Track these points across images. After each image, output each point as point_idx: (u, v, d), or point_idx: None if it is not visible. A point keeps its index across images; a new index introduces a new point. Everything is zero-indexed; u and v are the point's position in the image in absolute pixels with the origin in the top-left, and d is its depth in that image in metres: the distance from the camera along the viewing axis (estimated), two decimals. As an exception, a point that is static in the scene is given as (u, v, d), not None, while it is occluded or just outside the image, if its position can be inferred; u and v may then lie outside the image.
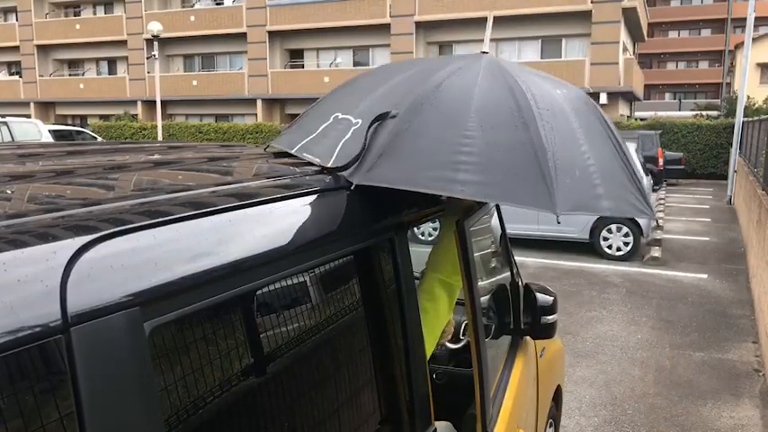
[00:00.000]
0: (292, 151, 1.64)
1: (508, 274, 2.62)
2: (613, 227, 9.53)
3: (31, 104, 34.47)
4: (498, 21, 26.61)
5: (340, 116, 1.61)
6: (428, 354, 1.75)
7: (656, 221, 2.07)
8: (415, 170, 1.39)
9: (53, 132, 15.79)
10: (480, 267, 2.23)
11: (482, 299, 2.13)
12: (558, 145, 1.43)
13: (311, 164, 1.54)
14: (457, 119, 1.44)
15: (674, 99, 48.76)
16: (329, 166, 1.46)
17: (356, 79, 1.92)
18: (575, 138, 1.53)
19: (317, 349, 1.32)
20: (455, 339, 2.60)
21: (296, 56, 30.65)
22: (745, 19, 18.03)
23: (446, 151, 1.40)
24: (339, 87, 1.91)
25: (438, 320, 1.84)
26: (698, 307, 7.14)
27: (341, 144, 1.50)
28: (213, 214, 1.02)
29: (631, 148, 10.09)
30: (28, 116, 28.19)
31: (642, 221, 9.41)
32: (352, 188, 1.38)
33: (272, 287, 1.14)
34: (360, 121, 1.53)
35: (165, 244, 0.91)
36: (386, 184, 1.37)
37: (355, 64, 29.16)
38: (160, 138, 23.23)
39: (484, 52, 1.75)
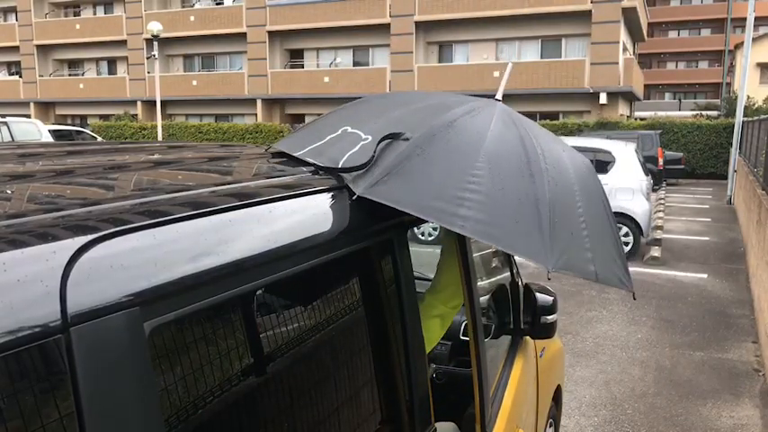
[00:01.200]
0: (296, 155, 1.64)
1: (508, 273, 2.62)
2: (613, 227, 9.53)
3: (31, 104, 34.48)
4: (498, 21, 26.67)
5: (350, 130, 1.61)
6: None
7: (633, 294, 2.13)
8: (421, 197, 1.40)
9: (53, 132, 15.79)
10: (480, 267, 2.23)
11: (482, 299, 2.13)
12: (559, 203, 1.47)
13: (312, 164, 1.54)
14: (467, 156, 1.46)
15: (674, 99, 48.77)
16: (338, 167, 1.47)
17: (369, 99, 1.94)
18: (573, 200, 1.57)
19: (317, 349, 1.32)
20: (454, 332, 2.62)
21: (296, 56, 30.66)
22: (745, 19, 18.03)
23: (453, 186, 1.40)
24: (351, 104, 1.92)
25: (429, 340, 1.87)
26: (698, 307, 7.14)
27: (347, 155, 1.50)
28: (213, 214, 1.02)
29: (631, 147, 10.10)
30: (28, 116, 28.19)
31: (642, 221, 9.42)
32: (353, 198, 1.38)
33: (271, 287, 1.14)
34: (369, 138, 1.53)
35: (164, 244, 0.91)
36: (389, 202, 1.38)
37: (355, 64, 29.17)
38: (160, 138, 23.22)
39: (497, 99, 1.79)
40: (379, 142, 1.47)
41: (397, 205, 1.38)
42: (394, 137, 1.48)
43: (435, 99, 1.79)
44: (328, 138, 1.62)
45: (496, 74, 23.99)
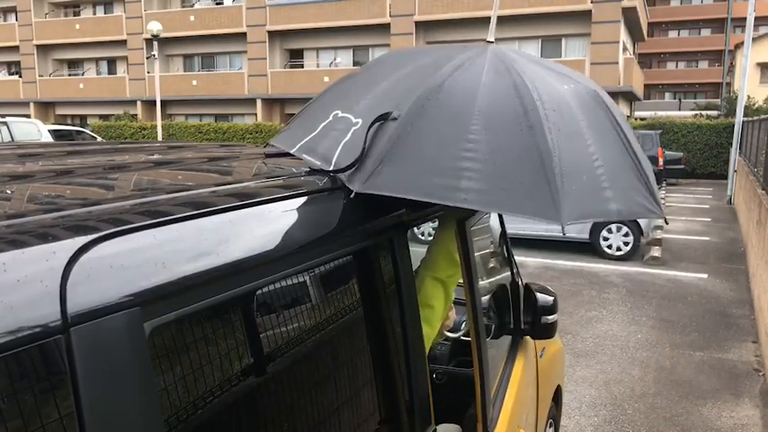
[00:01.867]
0: (292, 151, 1.63)
1: (508, 273, 2.62)
2: (613, 227, 9.54)
3: (31, 104, 34.47)
4: (498, 20, 26.53)
5: (340, 114, 1.56)
6: (427, 348, 1.75)
7: (665, 220, 1.99)
8: (417, 178, 1.35)
9: (53, 132, 15.78)
10: (480, 267, 2.22)
11: (482, 299, 2.12)
12: (565, 149, 1.38)
13: (307, 165, 1.53)
14: (460, 122, 1.39)
15: (674, 99, 48.76)
16: (330, 170, 1.43)
17: (357, 74, 1.84)
18: (582, 138, 1.48)
19: (317, 349, 1.32)
20: (454, 329, 2.59)
21: (296, 56, 30.66)
22: (745, 19, 18.03)
23: (449, 157, 1.34)
24: (340, 81, 1.85)
25: (435, 317, 1.83)
26: (698, 307, 7.14)
27: (341, 146, 1.46)
28: (213, 214, 1.02)
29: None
30: (27, 116, 28.21)
31: (642, 221, 9.42)
32: (351, 196, 1.34)
33: (271, 287, 1.14)
34: (360, 121, 1.48)
35: (164, 244, 0.90)
36: (387, 192, 1.33)
37: (355, 64, 29.15)
38: (160, 138, 23.22)
39: (489, 42, 1.69)
40: (369, 128, 1.40)
41: (395, 193, 1.33)
42: (383, 118, 1.41)
43: (423, 58, 1.69)
44: (321, 127, 1.58)
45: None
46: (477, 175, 1.32)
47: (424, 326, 1.71)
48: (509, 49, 1.68)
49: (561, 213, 1.28)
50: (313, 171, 1.48)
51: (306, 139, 1.59)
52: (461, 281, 1.89)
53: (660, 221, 11.61)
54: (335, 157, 1.45)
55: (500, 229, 2.66)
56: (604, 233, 9.61)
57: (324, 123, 1.59)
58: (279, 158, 1.69)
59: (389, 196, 1.36)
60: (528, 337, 2.69)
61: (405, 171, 1.36)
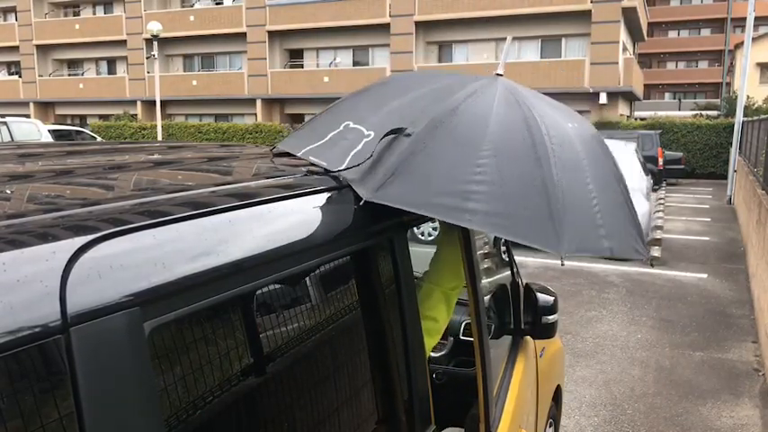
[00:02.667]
0: (299, 154, 1.62)
1: (509, 273, 2.62)
2: (613, 227, 9.53)
3: (31, 104, 34.47)
4: (498, 20, 26.66)
5: (351, 125, 1.59)
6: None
7: (651, 262, 2.08)
8: (427, 195, 1.38)
9: (53, 132, 15.78)
10: (481, 268, 2.22)
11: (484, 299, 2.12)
12: (567, 183, 1.44)
13: (311, 164, 1.53)
14: (471, 146, 1.43)
15: (674, 99, 48.76)
16: (335, 169, 1.45)
17: (370, 88, 1.89)
18: (582, 175, 1.54)
19: (317, 350, 1.32)
20: (438, 346, 2.60)
21: (295, 56, 30.65)
22: (744, 19, 18.03)
23: (459, 179, 1.39)
24: (351, 95, 1.89)
25: (436, 329, 1.85)
26: (698, 307, 7.14)
27: (351, 155, 1.48)
28: (213, 214, 1.02)
29: (631, 147, 10.10)
30: (27, 116, 28.19)
31: (642, 221, 9.40)
32: (360, 203, 1.36)
33: (271, 287, 1.14)
34: (372, 133, 1.51)
35: (164, 244, 0.90)
36: (396, 204, 1.36)
37: (355, 64, 29.17)
38: (160, 138, 23.22)
39: (498, 74, 1.75)
40: (381, 139, 1.45)
41: (404, 206, 1.37)
42: (396, 132, 1.46)
43: (436, 82, 1.75)
44: (330, 135, 1.60)
45: (496, 74, 23.93)
46: (485, 198, 1.36)
47: (427, 337, 1.73)
48: (516, 84, 1.75)
49: (561, 244, 1.34)
50: (313, 171, 1.48)
51: (313, 146, 1.60)
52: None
53: (660, 221, 11.62)
54: (345, 164, 1.46)
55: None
56: (604, 233, 9.60)
57: (334, 132, 1.61)
58: (280, 158, 1.69)
59: None
60: (528, 336, 2.69)
61: (415, 186, 1.39)
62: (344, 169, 1.44)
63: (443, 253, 1.91)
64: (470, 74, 1.78)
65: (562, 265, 1.35)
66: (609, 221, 1.52)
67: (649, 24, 36.49)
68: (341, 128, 1.60)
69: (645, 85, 35.76)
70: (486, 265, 2.88)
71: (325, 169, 1.47)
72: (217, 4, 32.12)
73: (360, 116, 1.62)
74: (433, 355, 2.79)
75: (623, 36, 25.39)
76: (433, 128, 1.46)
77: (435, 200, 1.38)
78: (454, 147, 1.44)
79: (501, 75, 1.76)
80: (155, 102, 22.58)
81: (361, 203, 1.36)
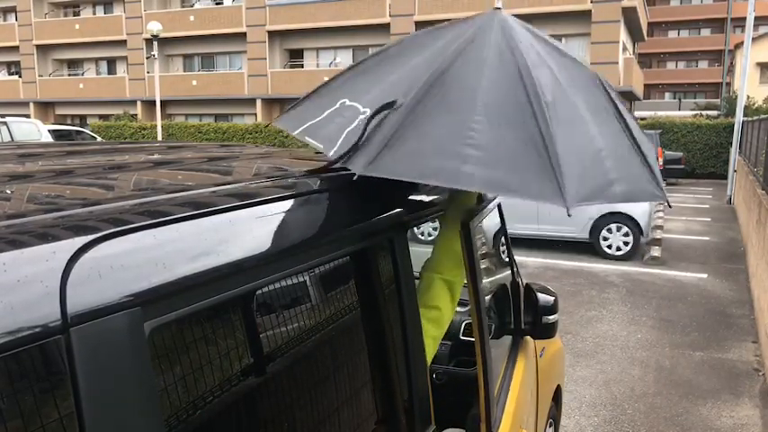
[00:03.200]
0: (294, 133, 1.60)
1: (509, 273, 2.62)
2: (613, 226, 9.53)
3: (31, 104, 34.47)
4: (498, 20, 26.57)
5: (347, 103, 1.57)
6: (433, 352, 1.74)
7: (668, 203, 2.01)
8: (421, 161, 1.35)
9: (53, 132, 15.78)
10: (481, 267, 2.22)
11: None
12: (567, 134, 1.41)
13: (311, 164, 1.53)
14: (464, 109, 1.41)
15: (674, 99, 48.73)
16: (332, 154, 1.44)
17: (368, 61, 1.81)
18: (584, 123, 1.51)
19: (317, 350, 1.32)
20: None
21: (295, 56, 30.66)
22: (744, 18, 18.03)
23: (453, 143, 1.36)
24: (350, 68, 1.82)
25: (442, 318, 1.83)
26: (698, 306, 7.14)
27: (345, 133, 1.46)
28: (213, 214, 1.02)
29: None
30: (27, 116, 28.20)
31: (642, 221, 9.41)
32: (354, 178, 1.34)
33: (271, 287, 1.14)
34: (368, 110, 1.49)
35: (165, 244, 0.90)
36: (389, 175, 1.33)
37: (355, 64, 29.14)
38: (160, 138, 23.21)
39: (497, 8, 1.71)
40: (372, 118, 1.42)
41: (398, 177, 1.34)
42: (388, 107, 1.43)
43: (437, 40, 1.68)
44: (327, 113, 1.58)
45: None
46: (482, 160, 1.34)
47: (432, 327, 1.71)
48: (515, 21, 1.69)
49: (566, 196, 1.30)
50: (313, 171, 1.48)
51: (309, 123, 1.58)
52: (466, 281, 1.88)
53: (660, 221, 11.63)
54: (338, 143, 1.44)
55: (501, 229, 2.66)
56: (604, 233, 9.61)
57: (330, 110, 1.58)
58: (279, 158, 1.69)
59: (390, 195, 1.37)
60: (528, 336, 2.69)
61: (408, 156, 1.37)
62: (338, 150, 1.42)
63: (444, 241, 1.87)
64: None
65: (569, 215, 1.34)
66: (619, 166, 1.49)
67: (649, 24, 36.50)
68: (337, 105, 1.58)
69: (645, 85, 35.77)
70: (486, 265, 2.88)
71: (326, 163, 1.46)
72: (217, 4, 32.12)
73: (357, 92, 1.59)
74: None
75: (623, 36, 25.40)
76: (423, 94, 1.43)
77: (430, 167, 1.35)
78: (445, 112, 1.41)
79: (499, 8, 1.72)
80: (155, 102, 22.59)
81: (354, 178, 1.34)
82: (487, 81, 1.46)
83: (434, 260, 1.87)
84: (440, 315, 1.80)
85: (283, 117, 1.76)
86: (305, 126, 1.59)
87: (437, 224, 1.92)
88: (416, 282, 1.74)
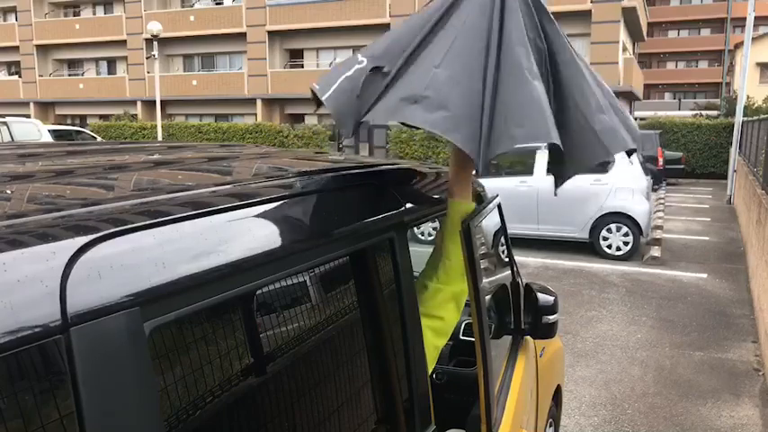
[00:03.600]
0: (322, 98, 1.65)
1: (509, 273, 2.62)
2: (613, 226, 9.53)
3: (31, 104, 34.48)
4: (498, 20, 26.55)
5: (360, 57, 1.68)
6: (434, 360, 1.74)
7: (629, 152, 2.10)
8: (387, 107, 1.52)
9: (53, 132, 15.79)
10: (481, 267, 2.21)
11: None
12: (510, 88, 1.52)
13: (311, 164, 1.54)
14: (431, 63, 1.55)
15: (674, 99, 48.74)
16: (325, 98, 1.55)
17: (401, 28, 1.84)
18: (533, 80, 1.59)
19: (317, 349, 1.32)
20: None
21: (296, 56, 30.67)
22: (744, 18, 18.04)
23: (413, 89, 1.51)
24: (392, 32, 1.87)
25: (446, 328, 1.83)
26: (698, 306, 7.14)
27: (341, 79, 1.58)
28: (213, 214, 1.02)
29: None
30: (27, 116, 28.15)
31: (642, 221, 9.41)
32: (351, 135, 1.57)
33: (271, 287, 1.14)
34: (364, 60, 1.61)
35: (165, 244, 0.90)
36: (364, 118, 1.54)
37: (355, 64, 29.12)
38: (160, 138, 23.22)
39: None
40: (366, 77, 1.57)
41: (369, 119, 1.53)
42: (377, 70, 1.59)
43: (435, 12, 1.76)
44: (354, 69, 1.68)
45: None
46: (431, 101, 1.48)
47: (434, 337, 1.71)
48: None
49: (481, 150, 1.45)
50: (313, 171, 1.48)
51: (335, 85, 1.66)
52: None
53: (659, 221, 11.63)
54: (332, 89, 1.57)
55: (501, 229, 2.66)
56: (604, 233, 9.61)
57: (358, 66, 1.71)
58: (279, 158, 1.69)
59: (390, 195, 1.38)
60: (528, 336, 2.69)
61: (381, 105, 1.55)
62: (332, 94, 1.55)
63: (453, 255, 1.85)
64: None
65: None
66: (577, 117, 1.63)
67: (649, 24, 36.51)
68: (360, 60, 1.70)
69: (645, 85, 35.78)
70: (485, 265, 2.88)
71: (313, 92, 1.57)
72: (217, 4, 32.13)
73: (370, 48, 1.72)
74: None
75: (623, 36, 25.40)
76: (406, 60, 1.59)
77: (391, 108, 1.52)
78: (416, 67, 1.57)
79: None
80: (155, 102, 22.58)
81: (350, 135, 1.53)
82: (461, 36, 1.60)
83: (443, 272, 1.84)
84: (443, 325, 1.80)
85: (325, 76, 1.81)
86: (333, 88, 1.66)
87: (437, 224, 1.92)
88: (416, 282, 1.74)
